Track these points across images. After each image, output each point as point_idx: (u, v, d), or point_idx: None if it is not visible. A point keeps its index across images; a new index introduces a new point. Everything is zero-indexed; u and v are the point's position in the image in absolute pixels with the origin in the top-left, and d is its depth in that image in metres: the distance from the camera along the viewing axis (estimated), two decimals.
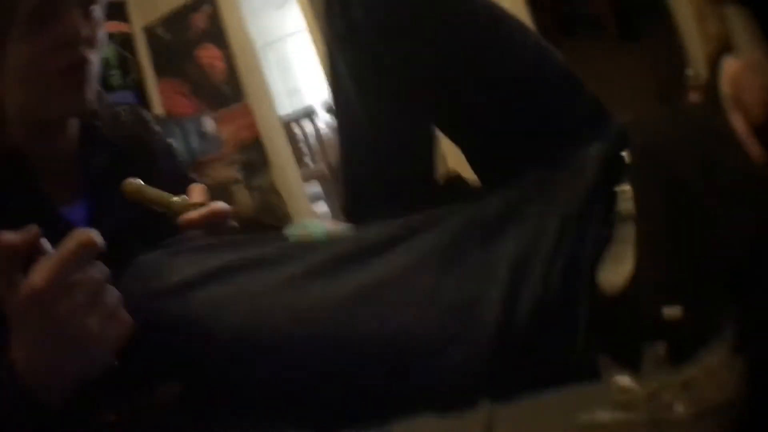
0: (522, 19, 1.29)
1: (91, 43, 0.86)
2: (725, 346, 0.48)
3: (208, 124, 4.28)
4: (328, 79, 1.07)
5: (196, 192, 0.89)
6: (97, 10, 0.89)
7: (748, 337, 0.48)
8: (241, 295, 0.69)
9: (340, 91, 1.02)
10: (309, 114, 5.06)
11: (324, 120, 5.91)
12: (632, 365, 0.52)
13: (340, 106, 1.04)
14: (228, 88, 4.59)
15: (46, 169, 0.90)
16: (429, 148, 1.06)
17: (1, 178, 0.84)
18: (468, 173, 1.06)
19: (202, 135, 4.15)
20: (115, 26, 0.94)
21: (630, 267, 0.57)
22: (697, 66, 2.13)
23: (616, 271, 0.58)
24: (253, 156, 4.58)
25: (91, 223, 0.89)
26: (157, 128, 1.15)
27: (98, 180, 0.97)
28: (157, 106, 4.49)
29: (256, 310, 0.67)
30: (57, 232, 0.77)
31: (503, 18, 0.91)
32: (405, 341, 0.63)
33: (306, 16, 3.65)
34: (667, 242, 0.57)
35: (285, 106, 8.22)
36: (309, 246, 0.72)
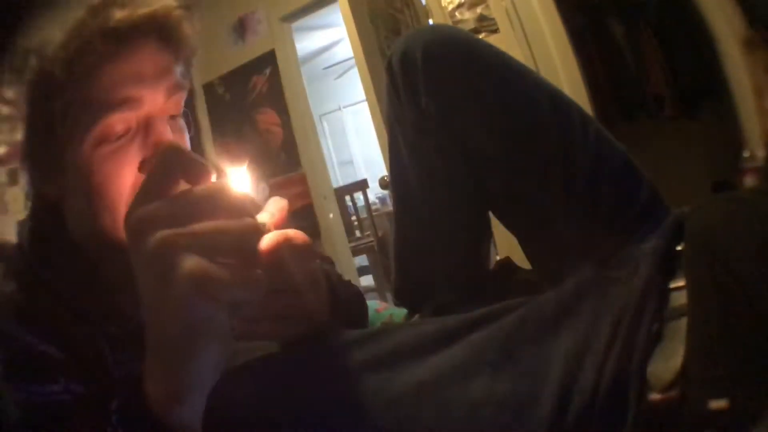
0: (582, 104, 1.29)
1: None
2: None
3: (262, 189, 4.33)
4: (388, 161, 1.08)
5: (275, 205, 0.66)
6: (182, 121, 0.86)
7: None
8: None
9: (399, 171, 1.03)
10: (362, 186, 5.09)
11: (375, 193, 5.97)
12: None
13: (398, 188, 1.05)
14: (284, 156, 4.65)
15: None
16: (484, 234, 1.07)
17: (70, 277, 0.79)
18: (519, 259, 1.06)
19: None
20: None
21: (679, 363, 0.57)
22: (753, 146, 2.09)
23: (666, 366, 0.58)
24: (304, 225, 4.61)
25: None
26: None
27: None
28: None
29: (311, 400, 0.67)
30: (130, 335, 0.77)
31: (567, 109, 0.91)
32: None
33: (365, 87, 3.71)
34: (716, 336, 0.56)
35: (338, 177, 8.38)
36: (366, 337, 0.72)
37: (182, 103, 0.85)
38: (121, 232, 0.73)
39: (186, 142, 0.86)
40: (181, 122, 0.85)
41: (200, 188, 0.54)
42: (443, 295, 0.99)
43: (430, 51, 0.90)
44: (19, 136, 0.75)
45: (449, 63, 0.89)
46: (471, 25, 2.91)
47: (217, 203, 0.54)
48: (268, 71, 4.72)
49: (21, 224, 0.83)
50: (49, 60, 0.71)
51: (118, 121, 0.74)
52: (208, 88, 4.98)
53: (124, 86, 0.74)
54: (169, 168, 0.55)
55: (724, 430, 0.50)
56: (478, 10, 2.99)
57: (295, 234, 0.62)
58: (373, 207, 5.21)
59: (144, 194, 0.54)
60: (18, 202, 0.84)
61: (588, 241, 0.86)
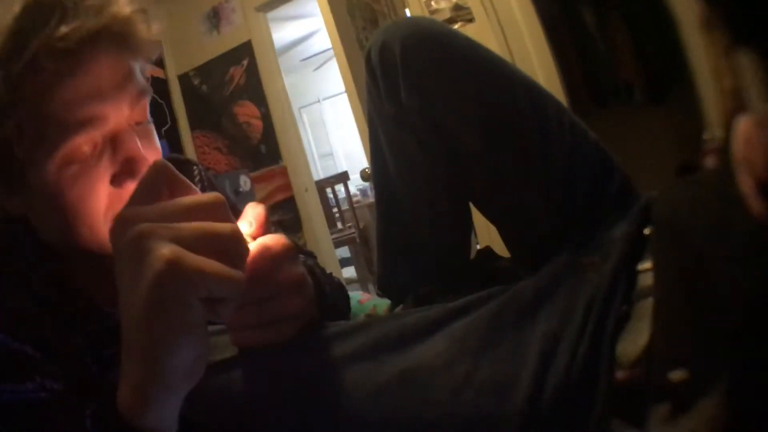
0: (556, 92, 1.30)
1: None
2: (721, 395, 0.50)
3: (244, 181, 4.32)
4: (369, 154, 1.08)
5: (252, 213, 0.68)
6: (148, 126, 0.83)
7: (741, 388, 0.51)
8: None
9: (380, 165, 1.04)
10: (342, 179, 5.10)
11: (356, 185, 5.97)
12: (639, 425, 0.56)
13: (379, 179, 1.05)
14: (265, 148, 4.63)
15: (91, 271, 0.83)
16: (465, 224, 1.09)
17: (43, 277, 0.78)
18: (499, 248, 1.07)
19: (238, 193, 4.18)
20: (150, 71, 0.87)
21: (645, 341, 0.61)
22: (714, 128, 2.12)
23: (634, 345, 0.62)
24: (286, 217, 4.62)
25: None
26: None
27: None
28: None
29: (297, 394, 0.69)
30: (109, 331, 0.77)
31: (542, 100, 0.92)
32: (444, 422, 0.65)
33: (344, 80, 3.71)
34: (679, 312, 0.59)
35: (318, 169, 8.37)
36: (350, 330, 0.73)
37: (147, 107, 0.82)
38: (98, 242, 0.73)
39: (156, 145, 0.83)
40: (149, 126, 0.82)
41: (187, 197, 0.54)
42: (425, 286, 1.00)
43: (409, 45, 0.90)
44: None
45: (428, 57, 0.90)
46: (447, 15, 2.92)
47: (203, 210, 0.53)
48: (245, 62, 4.69)
49: None
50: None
51: (84, 141, 0.71)
52: (183, 78, 4.92)
53: (84, 104, 0.71)
54: (156, 184, 0.55)
55: (681, 399, 0.53)
56: None
57: (274, 242, 0.63)
58: (354, 199, 5.22)
59: (129, 205, 0.54)
60: None
61: (563, 228, 0.89)
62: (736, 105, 0.65)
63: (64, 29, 0.68)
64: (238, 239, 0.54)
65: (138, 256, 0.48)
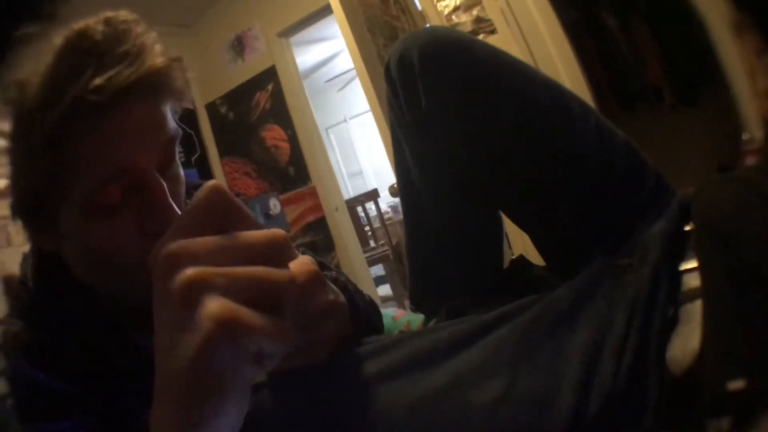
0: (584, 97, 1.29)
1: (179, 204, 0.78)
2: None
3: (274, 204, 4.35)
4: (394, 166, 1.07)
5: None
6: (176, 167, 0.82)
7: None
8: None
9: (405, 178, 1.03)
10: (372, 196, 5.10)
11: (387, 202, 5.97)
12: None
13: (405, 193, 1.04)
14: (293, 170, 4.66)
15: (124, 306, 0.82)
16: (496, 233, 1.07)
17: (77, 310, 0.77)
18: (534, 256, 1.05)
19: (268, 216, 4.20)
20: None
21: (696, 346, 0.57)
22: (752, 129, 2.09)
23: (684, 351, 0.58)
24: (318, 237, 4.63)
25: None
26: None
27: None
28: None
29: (332, 414, 0.66)
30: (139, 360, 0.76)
31: (566, 100, 0.90)
32: None
33: (368, 98, 3.72)
34: (732, 317, 0.55)
35: (348, 188, 8.39)
36: (382, 347, 0.71)
37: (176, 151, 0.81)
38: (132, 289, 0.71)
39: (181, 186, 0.82)
40: (176, 168, 0.81)
41: (247, 233, 0.48)
42: (458, 299, 0.98)
43: (427, 52, 0.89)
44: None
45: (446, 63, 0.88)
46: (468, 28, 2.93)
47: (262, 249, 0.48)
48: (270, 87, 4.75)
49: (24, 259, 0.82)
50: (28, 111, 0.68)
51: (113, 192, 0.71)
52: (211, 107, 5.01)
53: (115, 153, 0.70)
54: (209, 211, 0.49)
55: (742, 410, 0.49)
56: (475, 12, 3.00)
57: (299, 270, 0.54)
58: (386, 216, 5.23)
59: (177, 232, 0.47)
60: (22, 234, 0.82)
61: (597, 231, 0.85)
62: None
63: (99, 81, 0.67)
64: (294, 290, 0.48)
65: (186, 307, 0.43)
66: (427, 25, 3.23)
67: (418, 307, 1.10)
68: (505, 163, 0.90)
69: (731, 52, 2.08)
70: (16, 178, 0.73)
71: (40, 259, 0.80)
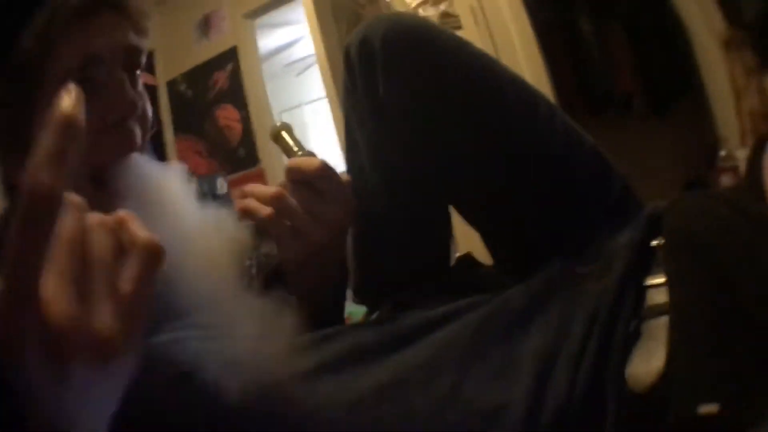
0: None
1: (140, 104, 0.84)
2: None
3: (221, 184, 4.30)
4: (344, 153, 1.04)
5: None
6: (140, 83, 0.88)
7: None
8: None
9: (356, 168, 0.99)
10: None
11: None
12: None
13: (355, 183, 1.00)
14: (243, 152, 4.62)
15: None
16: (445, 228, 1.03)
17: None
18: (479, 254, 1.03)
19: (215, 196, 4.15)
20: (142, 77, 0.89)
21: (661, 363, 0.54)
22: (731, 146, 2.10)
23: (646, 368, 0.55)
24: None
25: None
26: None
27: None
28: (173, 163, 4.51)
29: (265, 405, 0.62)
30: None
31: (532, 99, 0.88)
32: None
33: (325, 84, 3.72)
34: (704, 337, 0.53)
35: None
36: (320, 339, 0.68)
37: (141, 64, 0.86)
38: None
39: (146, 102, 0.87)
40: (140, 85, 0.86)
41: None
42: (404, 292, 0.95)
43: (390, 38, 0.85)
44: None
45: (409, 50, 0.85)
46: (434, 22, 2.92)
47: None
48: (229, 67, 4.71)
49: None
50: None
51: (76, 78, 0.71)
52: (171, 84, 4.96)
53: (84, 42, 0.75)
54: None
55: None
56: (442, 6, 3.00)
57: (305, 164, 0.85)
58: None
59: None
60: None
61: (555, 235, 0.83)
62: (759, 127, 0.61)
63: None
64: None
65: None
66: (389, 13, 3.24)
67: (361, 299, 1.07)
68: (463, 158, 0.87)
69: (714, 66, 2.09)
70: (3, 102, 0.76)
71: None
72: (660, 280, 0.61)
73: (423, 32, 0.87)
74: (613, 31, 2.61)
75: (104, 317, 0.39)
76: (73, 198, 0.42)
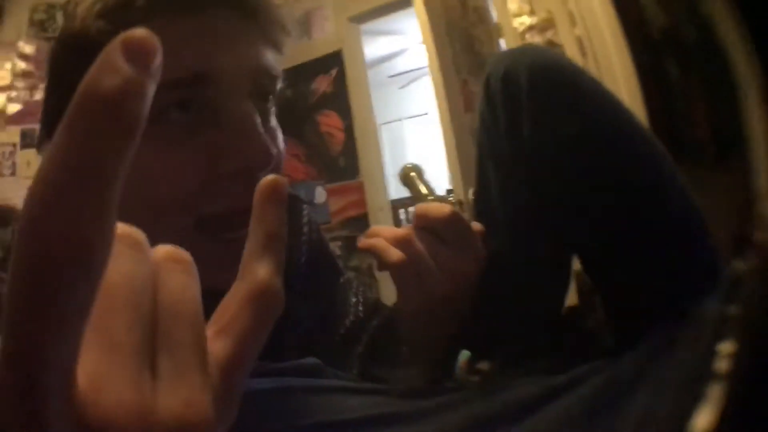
0: None
1: (274, 153, 0.67)
2: None
3: (320, 193, 4.33)
4: (475, 191, 1.00)
5: None
6: (273, 118, 0.74)
7: None
8: None
9: (485, 203, 0.96)
10: (419, 201, 5.05)
11: None
12: None
13: (483, 218, 0.96)
14: (344, 161, 4.63)
15: None
16: (564, 280, 1.03)
17: None
18: None
19: (312, 204, 4.18)
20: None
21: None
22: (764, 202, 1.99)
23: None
24: (356, 234, 4.58)
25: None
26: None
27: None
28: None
29: None
30: None
31: (660, 154, 0.83)
32: None
33: (438, 101, 3.71)
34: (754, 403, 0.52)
35: (393, 190, 8.38)
36: (441, 405, 0.66)
37: (274, 96, 0.71)
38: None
39: (280, 143, 0.74)
40: (273, 120, 0.73)
41: None
42: (512, 343, 0.91)
43: (537, 76, 0.81)
44: (37, 95, 0.66)
45: (557, 93, 0.82)
46: None
47: None
48: (334, 72, 4.71)
49: None
50: (80, 18, 0.59)
51: (173, 99, 0.59)
52: None
53: (187, 52, 0.59)
54: None
55: None
56: (548, 35, 2.96)
57: None
58: None
59: None
60: (31, 167, 0.74)
61: (667, 298, 0.82)
62: None
63: None
64: None
65: None
66: (502, 42, 3.19)
67: (468, 345, 1.03)
68: (589, 209, 0.86)
69: (758, 118, 1.99)
70: (54, 84, 0.66)
71: None
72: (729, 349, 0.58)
73: (569, 73, 0.83)
74: (694, 78, 2.54)
75: (196, 395, 0.29)
76: (129, 231, 0.31)
